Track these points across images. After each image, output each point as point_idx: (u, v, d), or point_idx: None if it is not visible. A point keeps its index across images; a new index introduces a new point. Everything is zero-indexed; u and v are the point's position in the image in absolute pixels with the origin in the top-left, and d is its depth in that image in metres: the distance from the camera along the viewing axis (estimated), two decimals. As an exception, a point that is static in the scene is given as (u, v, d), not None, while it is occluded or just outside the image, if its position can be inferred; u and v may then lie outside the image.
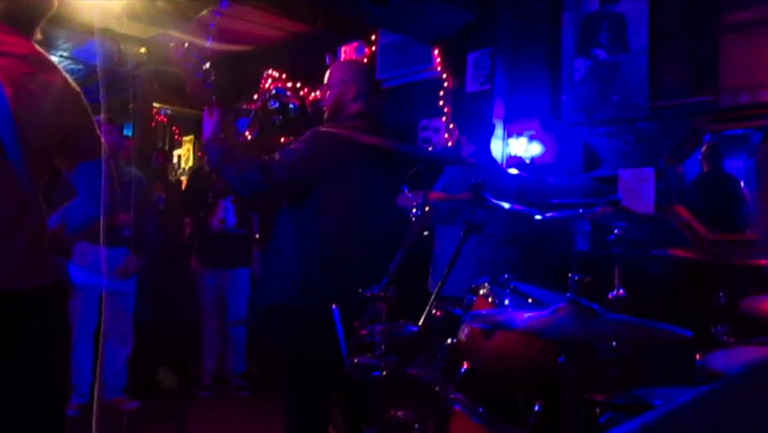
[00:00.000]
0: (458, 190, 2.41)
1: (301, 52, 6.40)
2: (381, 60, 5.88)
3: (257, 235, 4.92)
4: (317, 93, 2.62)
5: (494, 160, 3.79)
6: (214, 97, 2.42)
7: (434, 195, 2.14)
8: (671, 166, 4.13)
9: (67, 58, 6.59)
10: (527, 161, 4.66)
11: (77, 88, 1.74)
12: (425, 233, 3.16)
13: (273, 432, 2.85)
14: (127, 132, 6.44)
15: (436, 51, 5.40)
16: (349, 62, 4.68)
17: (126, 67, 6.28)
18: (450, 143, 5.20)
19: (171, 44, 2.38)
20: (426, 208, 1.94)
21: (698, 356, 1.71)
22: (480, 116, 4.03)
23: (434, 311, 2.03)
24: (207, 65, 2.41)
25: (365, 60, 5.94)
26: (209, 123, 2.41)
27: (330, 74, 2.63)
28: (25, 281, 1.58)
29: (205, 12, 5.64)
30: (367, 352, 1.77)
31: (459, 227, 2.07)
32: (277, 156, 2.39)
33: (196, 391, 4.74)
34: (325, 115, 2.63)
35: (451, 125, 5.25)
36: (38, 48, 1.71)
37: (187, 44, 2.40)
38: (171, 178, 7.82)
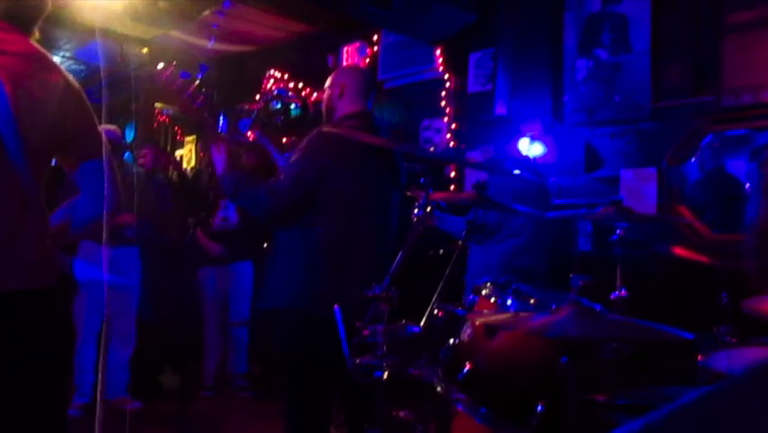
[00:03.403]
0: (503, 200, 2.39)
1: (303, 53, 6.40)
2: (383, 61, 5.88)
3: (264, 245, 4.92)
4: (319, 94, 2.66)
5: (515, 162, 3.78)
6: (205, 115, 2.48)
7: (436, 195, 2.14)
8: (673, 166, 4.13)
9: (69, 58, 6.59)
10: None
11: (78, 87, 1.74)
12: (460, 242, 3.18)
13: (275, 432, 2.85)
14: (129, 133, 6.45)
15: (438, 52, 5.40)
16: (341, 66, 4.70)
17: (128, 67, 6.28)
18: (452, 144, 5.20)
19: (159, 65, 2.40)
20: (428, 208, 1.94)
21: (700, 357, 1.71)
22: (492, 118, 4.03)
23: (435, 311, 2.03)
24: (196, 83, 2.45)
25: (367, 61, 5.94)
26: (219, 158, 2.53)
27: (327, 83, 2.69)
28: (28, 282, 1.58)
29: (207, 12, 5.64)
30: (369, 352, 1.77)
31: (497, 241, 2.07)
32: (281, 176, 2.45)
33: (197, 391, 4.74)
34: (323, 119, 2.68)
35: (453, 125, 5.25)
36: (38, 47, 1.71)
37: (174, 63, 2.43)
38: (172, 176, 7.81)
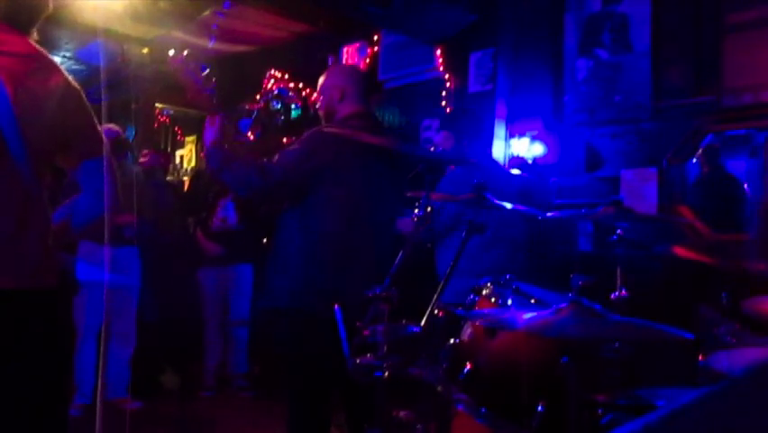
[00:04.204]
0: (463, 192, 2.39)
1: (303, 53, 6.40)
2: (384, 61, 5.88)
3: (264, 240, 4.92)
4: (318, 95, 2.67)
5: (494, 159, 3.78)
6: (215, 102, 2.46)
7: (437, 195, 2.14)
8: (673, 166, 4.13)
9: (69, 58, 6.59)
10: (530, 162, 4.65)
11: (78, 87, 1.75)
12: (429, 245, 3.15)
13: (275, 432, 2.85)
14: (129, 133, 6.44)
15: (438, 52, 5.40)
16: (336, 66, 4.69)
17: (129, 67, 6.29)
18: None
19: (171, 52, 2.40)
20: (428, 209, 1.94)
21: (700, 357, 1.71)
22: (475, 116, 4.02)
23: (436, 311, 2.03)
24: (207, 71, 2.44)
25: (367, 61, 5.95)
26: (210, 131, 2.46)
27: (320, 82, 2.67)
28: (29, 282, 1.58)
29: (207, 12, 5.64)
30: (369, 352, 1.77)
31: (459, 236, 2.06)
32: (275, 157, 2.42)
33: (198, 391, 4.74)
34: (322, 122, 2.66)
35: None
36: (38, 47, 1.71)
37: (186, 51, 2.42)
38: (173, 178, 7.82)
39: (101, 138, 1.76)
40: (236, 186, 2.45)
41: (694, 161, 4.20)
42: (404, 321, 1.83)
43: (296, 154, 2.42)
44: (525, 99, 4.85)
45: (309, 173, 2.39)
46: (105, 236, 1.65)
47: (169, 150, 8.37)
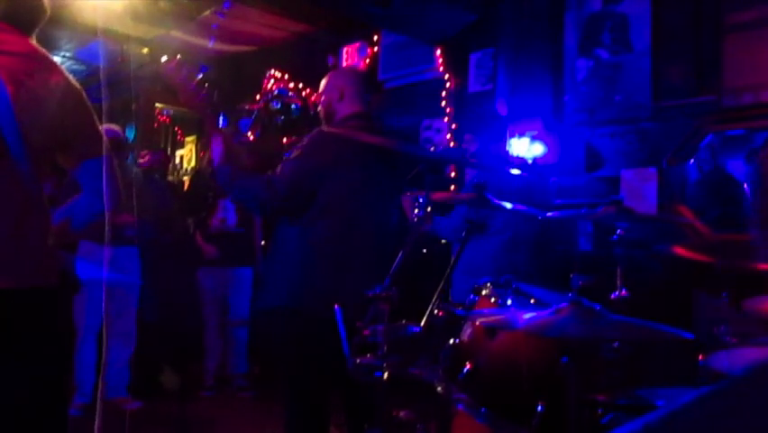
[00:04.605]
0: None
1: (303, 53, 6.40)
2: (384, 61, 5.88)
3: (262, 242, 4.92)
4: (317, 95, 2.69)
5: (506, 160, 3.79)
6: (209, 107, 2.47)
7: (436, 195, 2.14)
8: (673, 166, 4.13)
9: (69, 58, 6.59)
10: (530, 162, 4.65)
11: (79, 87, 1.75)
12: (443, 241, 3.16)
13: (275, 432, 2.85)
14: (129, 133, 6.44)
15: (438, 52, 5.40)
16: (337, 69, 4.69)
17: (129, 67, 6.29)
18: (452, 143, 5.20)
19: (163, 58, 2.41)
20: (428, 209, 1.94)
21: (700, 357, 1.71)
22: (488, 116, 4.04)
23: (436, 311, 2.03)
24: (200, 76, 2.44)
25: (367, 61, 5.95)
26: (217, 150, 2.49)
27: (322, 85, 2.69)
28: (29, 281, 1.58)
29: (207, 12, 5.64)
30: (369, 352, 1.77)
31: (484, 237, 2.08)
32: (279, 169, 2.43)
33: (198, 391, 4.74)
34: (322, 123, 2.67)
35: (453, 125, 5.26)
36: (38, 47, 1.71)
37: (179, 56, 2.43)
38: (173, 178, 7.82)
39: (101, 138, 1.76)
40: (245, 201, 2.55)
41: (697, 160, 4.20)
42: (404, 321, 1.83)
43: (298, 160, 2.43)
44: (525, 99, 4.85)
45: (312, 178, 2.40)
46: (106, 236, 1.65)
47: (169, 150, 8.36)
